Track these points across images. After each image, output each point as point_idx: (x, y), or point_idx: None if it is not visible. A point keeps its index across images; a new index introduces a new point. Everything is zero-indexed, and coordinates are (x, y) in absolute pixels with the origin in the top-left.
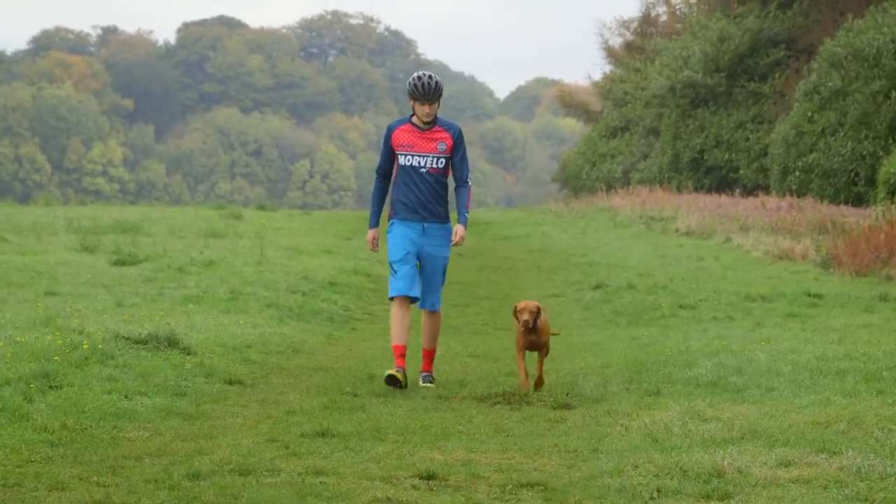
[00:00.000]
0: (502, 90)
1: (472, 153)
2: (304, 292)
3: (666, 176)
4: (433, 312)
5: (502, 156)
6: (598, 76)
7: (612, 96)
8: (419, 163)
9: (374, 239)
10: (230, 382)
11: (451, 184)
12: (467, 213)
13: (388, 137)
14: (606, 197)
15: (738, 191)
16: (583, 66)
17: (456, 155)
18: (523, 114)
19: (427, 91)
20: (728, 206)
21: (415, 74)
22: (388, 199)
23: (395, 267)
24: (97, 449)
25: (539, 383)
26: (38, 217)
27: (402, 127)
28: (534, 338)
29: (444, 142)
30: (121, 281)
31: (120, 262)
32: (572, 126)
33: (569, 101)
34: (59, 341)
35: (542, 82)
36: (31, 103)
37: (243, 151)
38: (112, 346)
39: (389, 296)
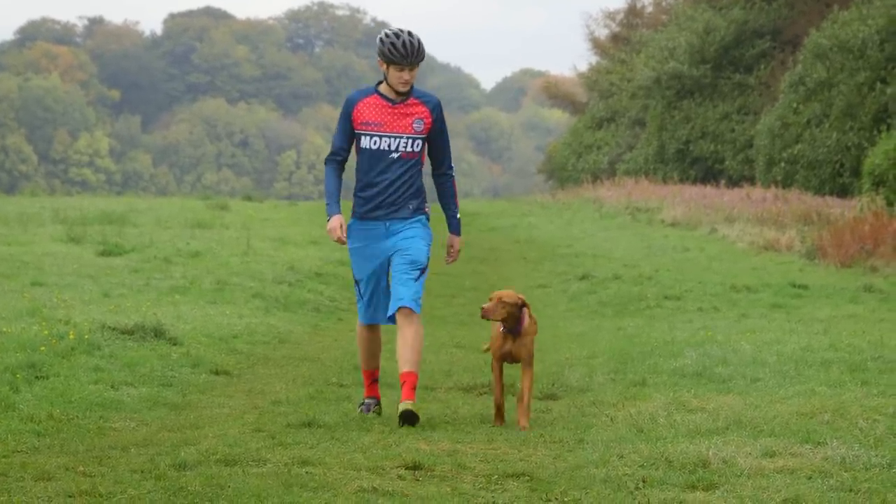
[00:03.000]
0: (488, 81)
1: (459, 144)
2: (291, 283)
3: (651, 167)
4: (409, 315)
5: (488, 147)
6: (584, 67)
7: (598, 87)
8: (389, 146)
9: (339, 226)
10: (216, 373)
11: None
12: (457, 214)
13: (348, 112)
14: (592, 188)
15: (723, 182)
16: (569, 58)
17: (435, 134)
18: (509, 105)
19: (409, 53)
20: (713, 197)
21: (389, 31)
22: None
23: (360, 287)
24: (83, 439)
25: (522, 415)
26: (25, 208)
27: (368, 99)
28: (511, 346)
29: (420, 118)
30: (107, 271)
31: (106, 253)
32: (558, 117)
33: (555, 93)
34: (46, 332)
35: (528, 73)
36: (17, 94)
37: (230, 142)
38: (98, 336)
39: (359, 320)
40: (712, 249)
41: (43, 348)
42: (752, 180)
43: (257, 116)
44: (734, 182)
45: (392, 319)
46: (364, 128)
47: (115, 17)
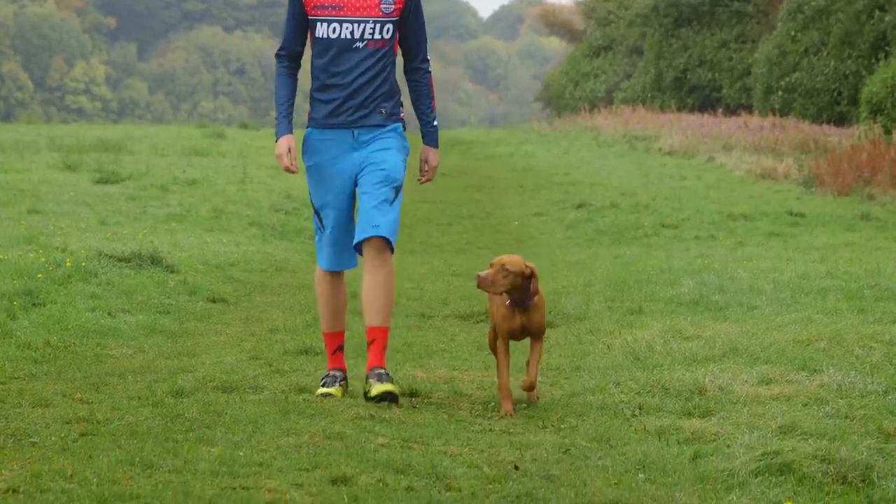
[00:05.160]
0: (486, 9)
1: (455, 73)
2: (287, 211)
3: (649, 95)
4: (382, 249)
5: (486, 75)
6: None
7: (596, 15)
8: (352, 33)
9: (288, 151)
10: (213, 300)
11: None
12: (435, 120)
13: None
14: (590, 116)
15: (720, 110)
16: None
17: (408, 16)
18: (507, 33)
19: None
20: (711, 125)
21: None
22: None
23: (320, 218)
24: (81, 366)
25: (529, 388)
26: (21, 135)
27: None
28: (523, 319)
29: None
30: (104, 199)
31: (103, 181)
32: (556, 45)
33: (552, 21)
34: (43, 259)
35: (525, 1)
36: (12, 21)
37: (226, 70)
38: (95, 263)
39: (318, 265)
40: (709, 178)
41: (40, 275)
42: (749, 108)
43: (253, 44)
44: (732, 110)
45: (358, 250)
46: (319, 12)
47: None
